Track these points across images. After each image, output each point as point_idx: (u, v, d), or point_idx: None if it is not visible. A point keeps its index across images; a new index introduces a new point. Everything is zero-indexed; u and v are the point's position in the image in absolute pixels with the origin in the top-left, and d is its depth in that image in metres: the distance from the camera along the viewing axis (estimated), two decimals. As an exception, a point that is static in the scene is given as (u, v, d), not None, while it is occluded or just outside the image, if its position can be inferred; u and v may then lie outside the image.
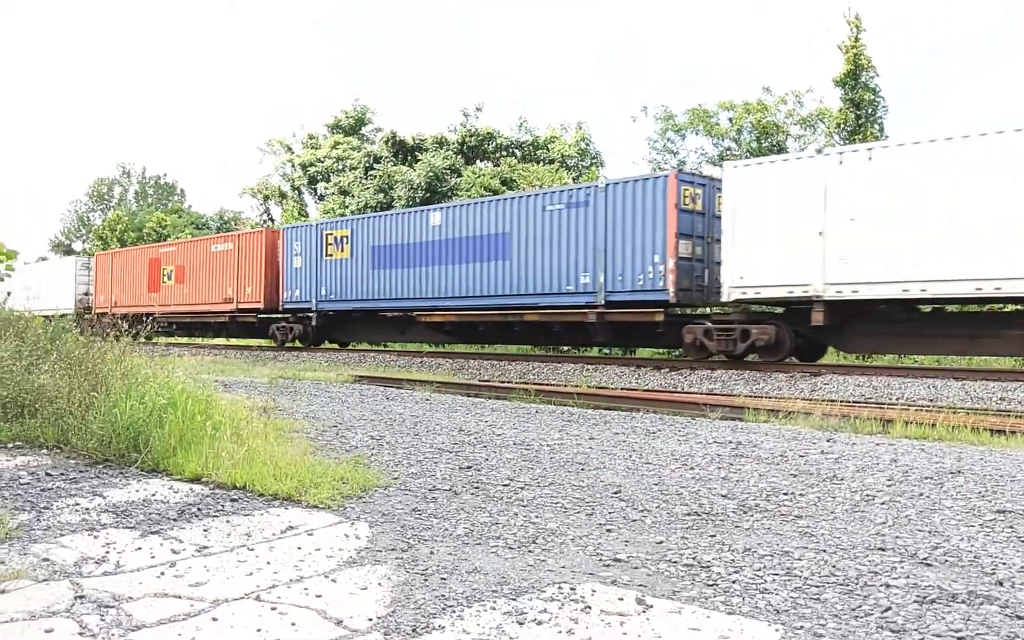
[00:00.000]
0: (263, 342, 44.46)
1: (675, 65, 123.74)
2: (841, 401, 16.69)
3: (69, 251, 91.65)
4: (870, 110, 42.56)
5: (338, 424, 11.88)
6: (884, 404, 16.51)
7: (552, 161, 55.95)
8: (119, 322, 11.47)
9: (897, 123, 79.20)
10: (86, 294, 56.34)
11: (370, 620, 4.43)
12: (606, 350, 32.70)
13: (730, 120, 48.74)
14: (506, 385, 20.53)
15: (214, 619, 4.44)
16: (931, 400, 17.82)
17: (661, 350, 31.27)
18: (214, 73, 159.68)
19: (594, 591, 4.95)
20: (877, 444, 10.58)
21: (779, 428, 12.33)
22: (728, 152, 47.69)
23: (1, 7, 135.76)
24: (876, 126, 42.02)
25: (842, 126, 43.09)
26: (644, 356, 30.48)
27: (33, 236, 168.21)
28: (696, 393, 20.17)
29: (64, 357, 10.53)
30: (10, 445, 9.43)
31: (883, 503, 7.33)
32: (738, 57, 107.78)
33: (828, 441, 10.79)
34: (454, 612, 4.57)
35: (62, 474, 8.05)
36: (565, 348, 33.15)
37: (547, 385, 21.19)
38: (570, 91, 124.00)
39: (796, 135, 48.04)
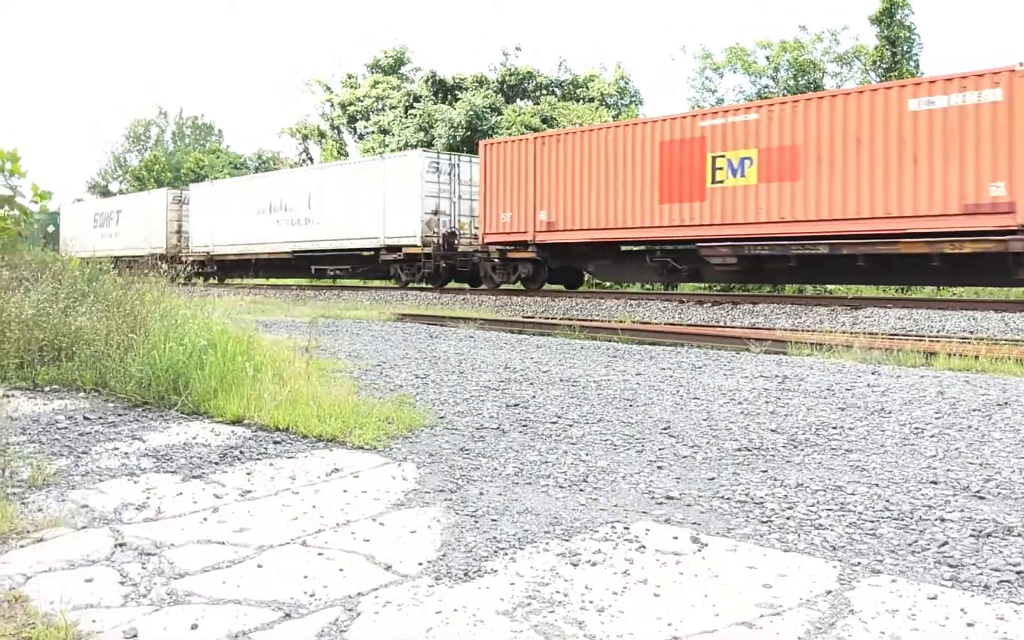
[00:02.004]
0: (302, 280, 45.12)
1: (712, 3, 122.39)
2: (882, 334, 16.58)
3: (106, 192, 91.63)
4: (906, 47, 42.43)
5: (382, 363, 11.77)
6: (925, 336, 16.32)
7: (592, 100, 55.94)
8: (161, 264, 11.38)
9: (932, 59, 78.17)
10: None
11: (420, 564, 4.29)
12: (647, 285, 33.19)
13: (767, 58, 48.58)
14: (550, 321, 20.42)
15: (259, 566, 4.30)
16: (971, 332, 17.76)
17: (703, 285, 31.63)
18: (250, 12, 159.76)
19: (648, 530, 4.82)
20: (922, 376, 10.46)
21: (823, 361, 12.22)
22: (766, 89, 47.63)
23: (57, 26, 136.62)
24: (912, 62, 41.90)
25: (878, 63, 42.97)
26: (686, 291, 30.42)
27: (71, 178, 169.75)
28: (739, 327, 20.06)
29: (102, 299, 10.42)
30: (47, 389, 9.35)
31: (932, 436, 7.20)
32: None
33: (873, 374, 10.67)
34: (506, 554, 4.44)
35: (100, 418, 7.94)
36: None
37: (591, 321, 21.06)
38: (610, 29, 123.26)
39: (833, 72, 47.97)
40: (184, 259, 45.97)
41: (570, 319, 21.22)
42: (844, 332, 16.65)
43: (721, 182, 25.73)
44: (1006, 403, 8.55)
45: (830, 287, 31.34)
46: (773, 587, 4.02)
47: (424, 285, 36.77)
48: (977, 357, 12.02)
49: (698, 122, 26.72)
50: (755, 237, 24.95)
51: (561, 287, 34.62)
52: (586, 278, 36.12)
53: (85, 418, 7.88)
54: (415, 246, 35.66)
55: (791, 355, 13.27)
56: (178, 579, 4.14)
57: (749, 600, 3.88)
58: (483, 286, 35.16)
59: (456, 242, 36.03)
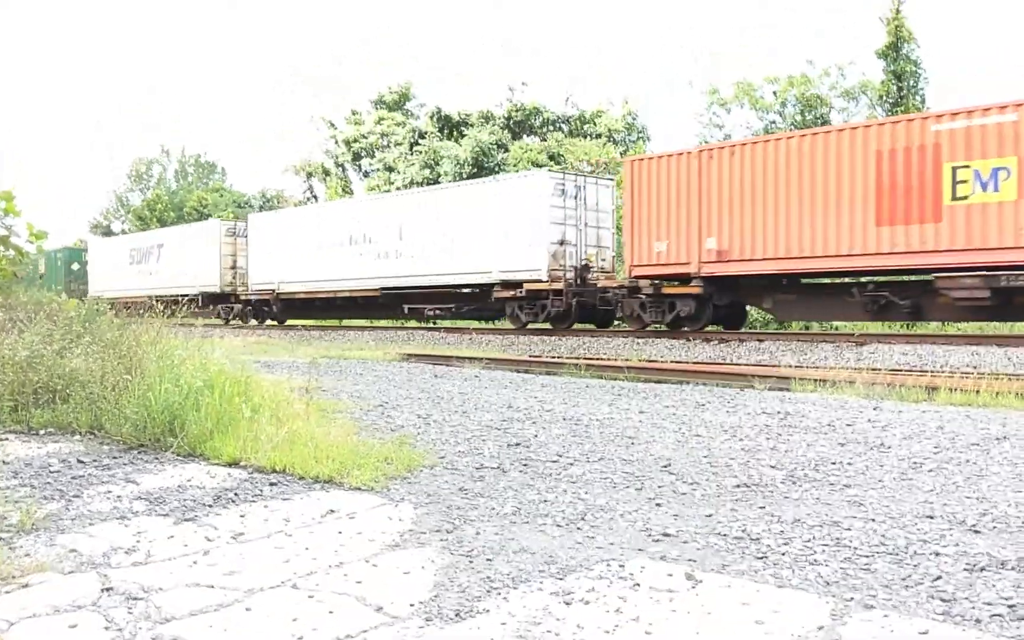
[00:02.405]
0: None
1: (721, 40, 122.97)
2: (886, 369, 16.57)
3: (108, 232, 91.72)
4: (912, 81, 42.66)
5: (384, 403, 11.71)
6: (928, 371, 16.32)
7: (599, 136, 56.03)
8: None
9: (938, 94, 78.45)
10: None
11: (411, 605, 4.21)
12: (657, 323, 32.85)
13: (775, 94, 48.76)
14: (556, 360, 20.45)
15: (247, 609, 4.21)
16: (974, 367, 17.85)
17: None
18: (254, 51, 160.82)
19: (643, 567, 4.78)
20: (923, 411, 10.52)
21: (826, 398, 12.30)
22: (773, 125, 47.91)
23: (57, 26, 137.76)
24: (918, 97, 42.14)
25: (884, 98, 43.22)
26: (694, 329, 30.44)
27: (75, 219, 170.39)
28: (744, 364, 20.10)
29: (98, 340, 10.35)
30: (42, 432, 9.26)
31: (930, 470, 7.25)
32: (782, 30, 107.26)
33: (874, 409, 10.73)
34: (499, 594, 4.36)
35: (94, 461, 7.85)
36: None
37: (598, 359, 21.09)
38: (615, 66, 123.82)
39: (840, 108, 48.17)
40: (242, 298, 46.54)
41: (576, 357, 21.24)
42: (848, 368, 16.64)
43: (964, 198, 21.90)
44: (1005, 437, 8.64)
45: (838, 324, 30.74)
46: (765, 623, 3.99)
47: (543, 325, 32.55)
48: (978, 392, 12.08)
49: (930, 126, 22.65)
50: (1017, 265, 21.10)
51: (564, 326, 33.93)
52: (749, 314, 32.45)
53: (79, 461, 7.78)
54: (540, 281, 31.28)
55: (795, 391, 13.37)
56: (164, 624, 4.04)
57: (741, 636, 3.87)
58: (623, 326, 31.94)
59: (589, 276, 31.80)
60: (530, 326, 32.77)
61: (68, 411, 9.41)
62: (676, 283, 28.04)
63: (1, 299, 12.15)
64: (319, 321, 45.50)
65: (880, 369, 16.48)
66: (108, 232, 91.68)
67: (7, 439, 8.91)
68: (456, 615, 4.08)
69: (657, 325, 29.00)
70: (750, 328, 31.29)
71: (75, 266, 59.80)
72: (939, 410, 10.68)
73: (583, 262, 31.79)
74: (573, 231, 31.82)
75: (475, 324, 36.79)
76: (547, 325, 32.37)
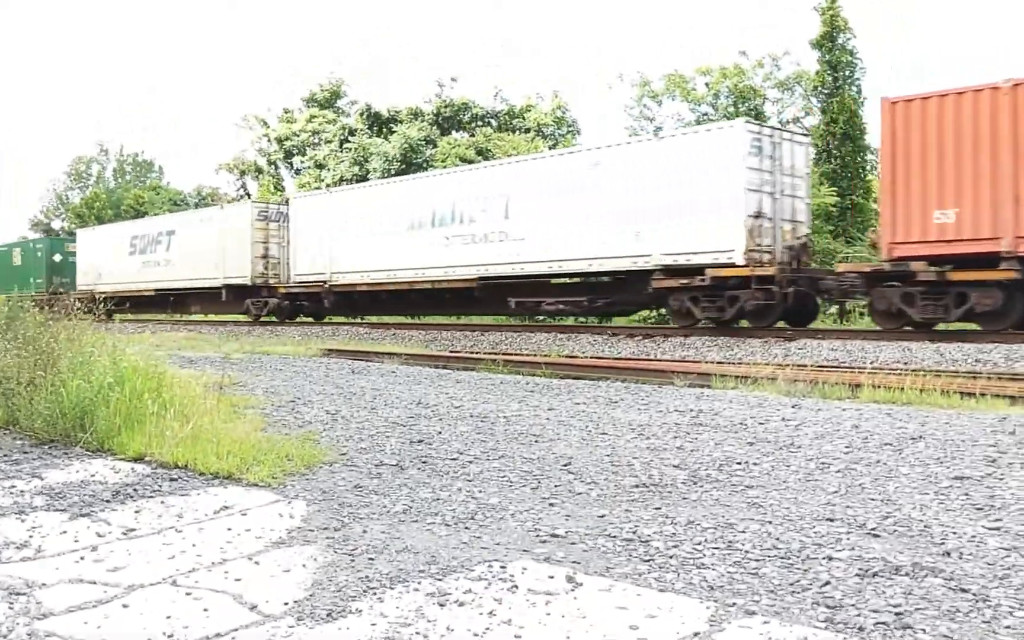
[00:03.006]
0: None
1: (650, 30, 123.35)
2: (812, 366, 16.49)
3: (48, 230, 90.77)
4: (847, 71, 42.80)
5: (296, 399, 11.75)
6: (856, 368, 16.34)
7: (528, 130, 56.06)
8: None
9: (875, 84, 78.81)
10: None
11: (286, 604, 4.30)
12: (580, 319, 31.98)
13: (707, 85, 48.84)
14: (475, 356, 20.38)
15: (124, 606, 4.30)
16: (905, 363, 17.65)
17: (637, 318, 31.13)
18: (189, 50, 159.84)
19: (525, 569, 4.83)
20: (843, 409, 10.42)
21: (745, 395, 12.16)
22: (705, 117, 47.93)
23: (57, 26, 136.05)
24: (854, 87, 42.28)
25: (819, 88, 43.36)
26: (619, 324, 30.30)
27: (14, 217, 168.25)
28: (666, 360, 20.06)
29: (19, 337, 10.36)
30: (-43, 427, 9.30)
31: (838, 471, 7.18)
32: (713, 20, 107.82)
33: (793, 408, 10.61)
34: (375, 594, 4.43)
35: (5, 455, 7.96)
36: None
37: (517, 355, 21.11)
38: (544, 57, 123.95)
39: (774, 99, 48.29)
40: (279, 291, 39.90)
41: (495, 353, 21.22)
42: (774, 364, 16.57)
43: None
44: (921, 437, 8.51)
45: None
46: (640, 628, 4.01)
47: (735, 323, 25.63)
48: (903, 389, 11.88)
49: None
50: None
51: (491, 319, 33.77)
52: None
53: (-10, 456, 7.85)
54: (732, 266, 24.04)
55: (714, 388, 13.23)
56: (42, 619, 4.12)
57: None
58: (838, 325, 27.57)
59: (805, 258, 25.49)
60: (432, 319, 33.89)
61: (-16, 407, 9.46)
62: (970, 266, 20.89)
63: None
64: (386, 318, 37.40)
65: (806, 365, 16.32)
66: (48, 230, 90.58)
67: (-82, 433, 8.95)
68: (328, 615, 4.16)
69: (938, 323, 22.00)
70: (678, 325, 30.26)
71: (57, 257, 55.44)
72: (859, 408, 10.61)
73: (800, 240, 25.35)
74: (769, 202, 24.80)
75: (403, 319, 36.67)
76: (742, 324, 25.86)
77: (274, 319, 40.84)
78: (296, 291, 38.91)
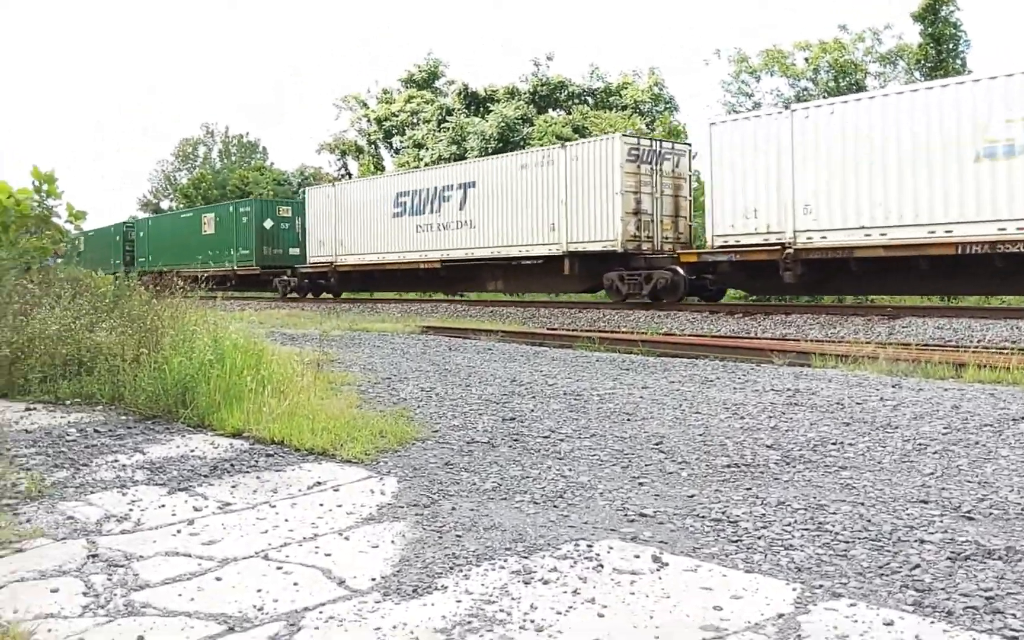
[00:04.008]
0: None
1: (746, 4, 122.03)
2: (916, 345, 16.19)
3: (157, 210, 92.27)
4: (951, 45, 41.88)
5: (392, 376, 11.88)
6: (961, 347, 16.05)
7: (625, 107, 55.78)
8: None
9: (980, 58, 76.92)
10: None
11: (373, 580, 4.39)
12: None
13: (806, 60, 48.10)
14: (571, 333, 20.36)
15: (217, 578, 4.43)
16: (1013, 342, 17.25)
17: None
18: (293, 32, 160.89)
19: (611, 548, 4.85)
20: (944, 390, 10.15)
21: (845, 374, 11.92)
22: (805, 93, 47.28)
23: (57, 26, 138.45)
24: (959, 61, 41.35)
25: (922, 62, 42.46)
26: (723, 302, 30.04)
27: (125, 197, 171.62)
28: (766, 338, 19.90)
29: (126, 315, 10.63)
30: (68, 402, 9.60)
31: (935, 452, 7.04)
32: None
33: (893, 387, 10.41)
34: (461, 571, 4.51)
35: (110, 430, 8.16)
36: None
37: (615, 333, 20.99)
38: (640, 33, 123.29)
39: (876, 73, 47.39)
40: (683, 259, 28.60)
41: (592, 331, 21.17)
42: (877, 343, 16.28)
43: None
44: (1023, 418, 8.33)
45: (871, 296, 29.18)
46: (724, 609, 4.01)
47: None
48: (1009, 368, 11.51)
49: None
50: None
51: (589, 299, 33.60)
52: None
53: (95, 431, 8.09)
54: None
55: (814, 367, 12.98)
56: (138, 591, 4.26)
57: (694, 623, 3.88)
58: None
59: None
60: (533, 297, 33.95)
61: (92, 383, 9.77)
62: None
63: (39, 276, 12.46)
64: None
65: (909, 344, 16.01)
66: (158, 210, 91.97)
67: (35, 409, 9.24)
68: (414, 591, 4.23)
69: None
70: (779, 301, 29.96)
71: (268, 223, 47.05)
72: (962, 388, 10.33)
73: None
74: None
75: (503, 296, 36.48)
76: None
77: (669, 300, 28.83)
78: (721, 258, 26.79)
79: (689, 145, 32.68)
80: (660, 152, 30.08)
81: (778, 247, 24.91)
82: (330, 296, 44.18)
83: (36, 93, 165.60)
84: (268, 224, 47.14)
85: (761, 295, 30.06)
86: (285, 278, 45.67)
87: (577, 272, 30.73)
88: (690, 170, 31.48)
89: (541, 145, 42.36)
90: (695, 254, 28.20)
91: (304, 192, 47.80)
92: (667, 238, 29.93)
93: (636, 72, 59.76)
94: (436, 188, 36.37)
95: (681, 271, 28.03)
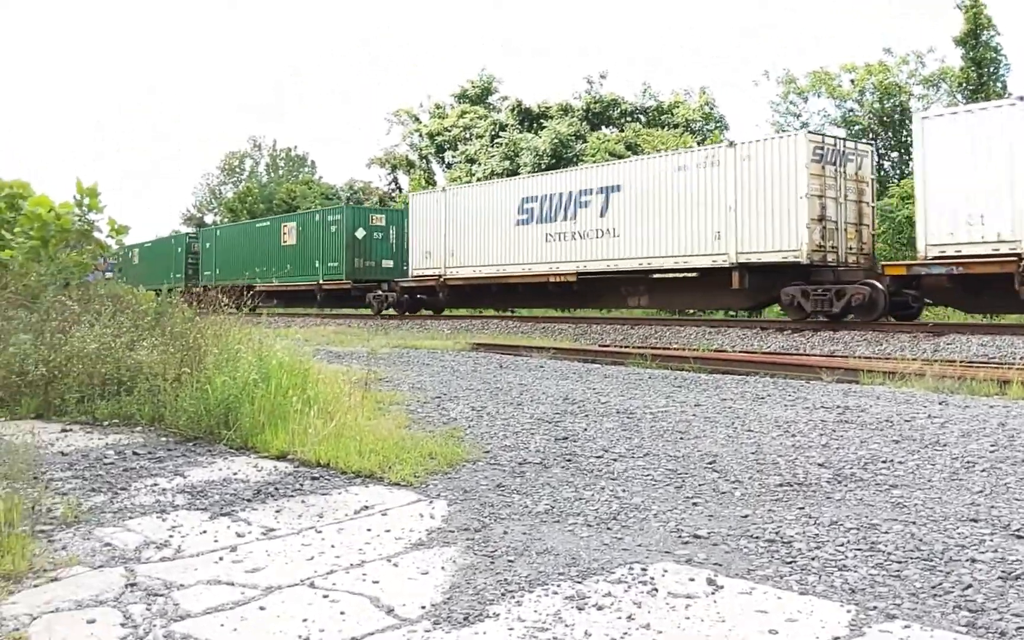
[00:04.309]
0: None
1: (795, 28, 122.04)
2: (961, 362, 16.10)
3: (201, 223, 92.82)
4: (992, 68, 42.12)
5: (442, 395, 11.76)
6: (1005, 364, 15.87)
7: (677, 126, 55.99)
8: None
9: (1020, 80, 76.96)
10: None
11: (423, 608, 4.23)
12: (732, 313, 31.66)
13: (852, 82, 48.49)
14: (624, 350, 20.29)
15: (261, 608, 4.27)
16: None
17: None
18: (343, 46, 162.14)
19: (665, 572, 4.73)
20: (991, 407, 10.10)
21: (893, 391, 11.88)
22: (851, 114, 47.61)
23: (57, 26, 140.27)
24: (999, 84, 41.63)
25: (964, 85, 42.75)
26: (769, 318, 29.94)
27: (169, 211, 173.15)
28: (815, 355, 19.81)
29: (167, 333, 10.51)
30: (105, 423, 9.48)
31: (983, 470, 6.99)
32: (857, 18, 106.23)
33: (940, 404, 10.37)
34: (513, 598, 4.36)
35: (149, 453, 8.01)
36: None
37: (667, 349, 20.90)
38: (693, 56, 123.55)
39: (919, 95, 47.72)
40: (855, 273, 26.23)
41: (644, 347, 21.06)
42: (923, 360, 16.20)
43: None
44: None
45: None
46: (779, 633, 3.93)
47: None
48: None
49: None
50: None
51: (640, 315, 33.38)
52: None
53: (134, 453, 7.94)
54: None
55: (862, 384, 13.00)
56: (179, 621, 4.11)
57: None
58: None
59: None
60: (584, 312, 32.69)
61: (131, 403, 9.62)
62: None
63: (78, 292, 12.38)
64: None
65: (955, 361, 16.01)
66: (202, 223, 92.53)
67: (71, 430, 9.11)
68: (465, 619, 4.09)
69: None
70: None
71: (359, 233, 42.37)
72: (1007, 405, 10.26)
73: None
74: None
75: (554, 312, 36.16)
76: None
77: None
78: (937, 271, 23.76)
79: (871, 145, 31.45)
80: (843, 152, 26.94)
81: (1013, 258, 21.71)
82: (429, 313, 40.99)
83: (36, 93, 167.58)
84: (360, 234, 43.04)
85: (984, 313, 26.81)
86: (380, 292, 41.71)
87: (747, 286, 27.03)
88: (872, 173, 28.36)
89: (596, 160, 42.61)
90: (903, 266, 24.98)
91: (408, 198, 44.14)
92: (851, 248, 26.79)
93: (687, 91, 59.97)
94: (572, 193, 32.70)
95: (880, 285, 24.76)
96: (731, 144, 28.08)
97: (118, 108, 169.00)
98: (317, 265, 44.41)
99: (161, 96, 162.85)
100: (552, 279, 33.02)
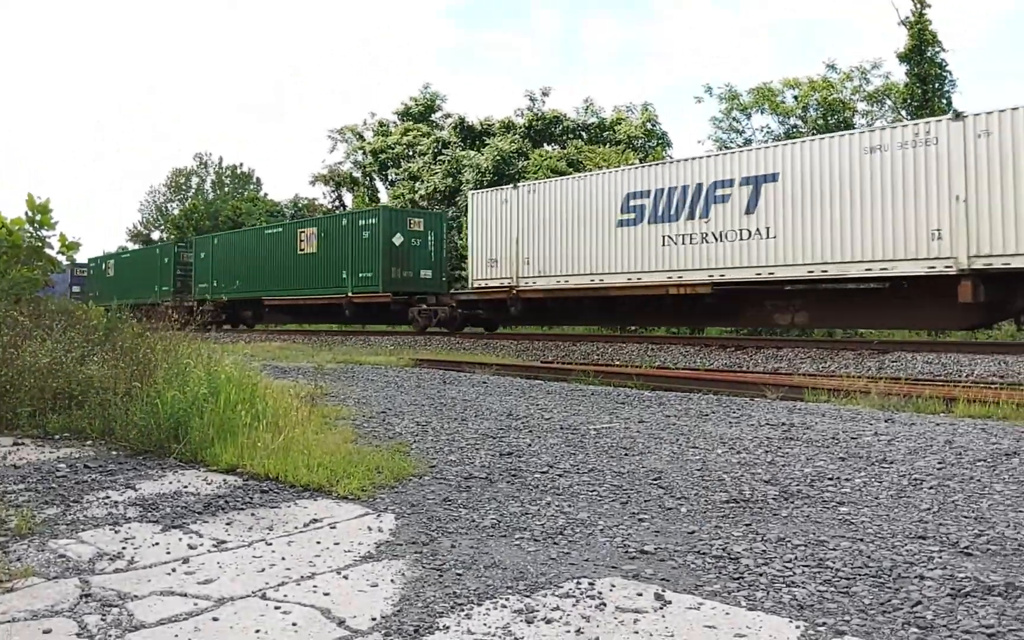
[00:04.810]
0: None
1: (735, 44, 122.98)
2: (906, 380, 16.26)
3: (147, 240, 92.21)
4: (937, 84, 42.52)
5: (387, 410, 11.81)
6: (951, 382, 16.09)
7: (619, 142, 56.17)
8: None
9: (967, 98, 77.83)
10: None
11: (373, 620, 4.30)
12: (673, 329, 31.34)
13: (795, 98, 48.83)
14: (566, 366, 20.37)
15: (214, 619, 4.33)
16: (1001, 376, 17.36)
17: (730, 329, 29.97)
18: (288, 63, 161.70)
19: (613, 586, 4.79)
20: (937, 424, 10.21)
21: (838, 408, 12.01)
22: (794, 129, 47.90)
23: (57, 26, 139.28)
24: (944, 101, 42.02)
25: (909, 101, 43.13)
26: (711, 335, 30.06)
27: (115, 228, 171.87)
28: (759, 373, 19.93)
29: (118, 348, 10.55)
30: (57, 437, 9.46)
31: (931, 488, 7.06)
32: (801, 34, 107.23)
33: (886, 422, 10.46)
34: (463, 610, 4.43)
35: (100, 466, 8.02)
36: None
37: (609, 366, 21.04)
38: (632, 70, 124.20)
39: (863, 111, 48.18)
40: None
41: (587, 364, 21.16)
42: (868, 377, 16.40)
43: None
44: (1016, 453, 8.36)
45: (861, 330, 29.24)
46: None
47: None
48: (998, 403, 11.70)
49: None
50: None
51: (582, 331, 33.12)
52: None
53: (86, 466, 7.95)
54: None
55: (807, 401, 13.12)
56: (134, 631, 4.17)
57: None
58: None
59: None
60: (526, 329, 31.74)
61: (82, 417, 9.62)
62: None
63: (30, 307, 12.39)
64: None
65: (900, 379, 16.14)
66: (148, 240, 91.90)
67: (24, 443, 9.11)
68: (415, 631, 4.15)
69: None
70: (770, 335, 30.08)
71: (397, 239, 37.16)
72: (954, 423, 10.42)
73: None
74: None
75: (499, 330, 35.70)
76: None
77: None
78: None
79: None
80: None
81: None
82: (481, 329, 36.69)
83: (36, 93, 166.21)
84: (398, 240, 37.79)
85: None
86: (426, 307, 36.80)
87: (983, 299, 21.88)
88: None
89: (535, 178, 40.59)
90: None
91: (468, 196, 37.45)
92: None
93: (630, 107, 60.16)
94: (701, 185, 27.22)
95: None
96: (957, 116, 22.40)
97: (118, 108, 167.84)
98: (344, 276, 39.49)
99: (161, 96, 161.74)
100: (674, 290, 27.80)
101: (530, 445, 9.10)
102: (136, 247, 63.36)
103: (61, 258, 13.20)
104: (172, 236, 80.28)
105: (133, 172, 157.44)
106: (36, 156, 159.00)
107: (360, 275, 38.45)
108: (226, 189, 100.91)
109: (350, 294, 38.95)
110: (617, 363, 23.04)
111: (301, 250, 42.24)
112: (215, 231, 63.34)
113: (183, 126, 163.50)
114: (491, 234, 34.04)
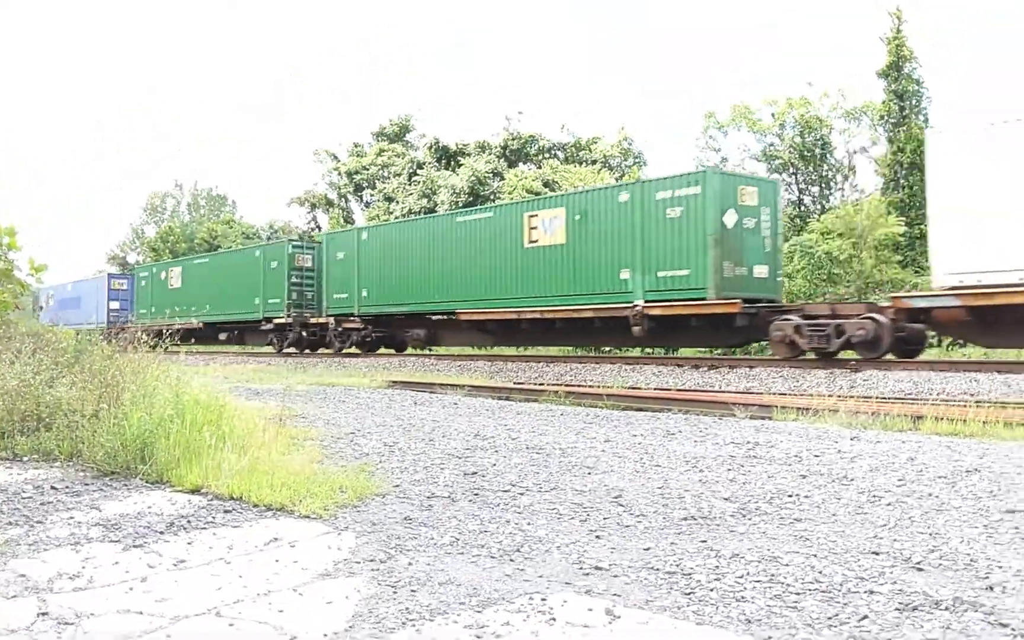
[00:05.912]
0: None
1: (714, 63, 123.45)
2: (876, 398, 16.33)
3: (124, 264, 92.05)
4: (914, 101, 42.74)
5: (356, 430, 11.87)
6: (920, 400, 16.17)
7: (595, 162, 56.32)
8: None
9: (942, 113, 78.36)
10: None
11: (325, 635, 4.35)
12: (648, 349, 31.18)
13: (773, 115, 48.93)
14: (538, 387, 20.38)
15: (168, 636, 4.37)
16: (971, 395, 17.43)
17: (703, 348, 30.04)
18: (288, 63, 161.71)
19: (565, 602, 4.84)
20: (902, 442, 10.32)
21: (806, 427, 12.09)
22: (771, 148, 48.00)
23: (57, 26, 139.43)
24: (921, 117, 42.25)
25: (886, 118, 43.28)
26: (685, 355, 30.11)
27: (94, 251, 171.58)
28: (730, 391, 19.99)
29: (87, 370, 10.58)
30: (25, 459, 9.49)
31: (888, 504, 7.15)
32: (778, 52, 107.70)
33: (852, 440, 10.55)
34: (414, 626, 4.47)
35: (67, 487, 8.06)
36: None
37: (581, 386, 21.03)
38: (608, 89, 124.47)
39: (840, 129, 48.27)
40: None
41: (558, 385, 21.19)
42: (839, 395, 16.45)
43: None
44: (977, 470, 8.45)
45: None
46: None
47: None
48: (965, 421, 11.72)
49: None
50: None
51: (556, 352, 33.24)
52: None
53: (52, 488, 7.98)
54: None
55: (775, 420, 13.16)
56: (88, 649, 4.23)
57: None
58: None
59: None
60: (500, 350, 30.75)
61: (51, 438, 9.66)
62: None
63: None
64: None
65: (870, 397, 16.19)
66: (124, 264, 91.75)
67: (-9, 466, 9.14)
68: (365, 646, 4.20)
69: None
70: (744, 354, 30.27)
71: (730, 218, 24.21)
72: (919, 440, 10.52)
73: None
74: None
75: (470, 350, 35.53)
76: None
77: None
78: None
79: None
80: None
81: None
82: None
83: (36, 93, 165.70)
84: (730, 219, 24.81)
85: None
86: (788, 319, 24.39)
87: None
88: None
89: (510, 198, 40.15)
90: None
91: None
92: None
93: (605, 128, 60.62)
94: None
95: None
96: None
97: (118, 108, 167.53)
98: (625, 278, 26.86)
99: (161, 96, 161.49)
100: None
101: (494, 465, 9.16)
102: (226, 249, 57.65)
103: (31, 280, 13.21)
104: (149, 258, 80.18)
105: (133, 172, 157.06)
106: (36, 156, 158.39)
107: (660, 274, 25.98)
108: (202, 211, 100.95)
109: (640, 303, 26.33)
110: (589, 384, 23.03)
111: (533, 242, 29.91)
112: (191, 253, 62.46)
113: (183, 126, 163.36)
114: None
